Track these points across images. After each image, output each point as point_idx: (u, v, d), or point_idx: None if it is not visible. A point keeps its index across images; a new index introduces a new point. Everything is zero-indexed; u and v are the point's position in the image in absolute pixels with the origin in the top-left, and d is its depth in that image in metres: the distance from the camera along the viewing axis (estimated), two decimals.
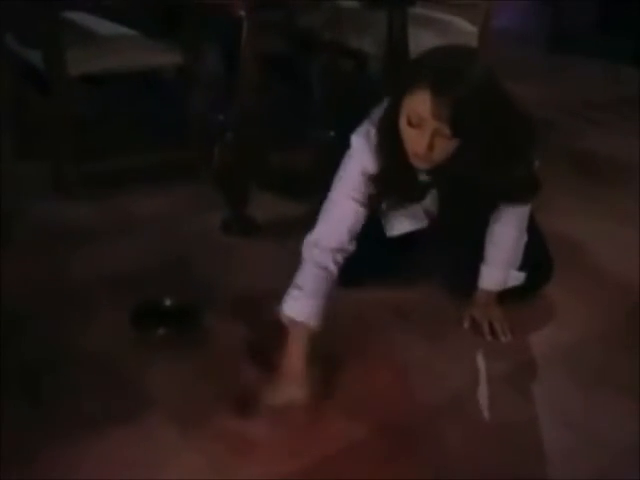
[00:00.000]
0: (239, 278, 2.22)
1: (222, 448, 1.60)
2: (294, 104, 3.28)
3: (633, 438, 1.66)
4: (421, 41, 2.63)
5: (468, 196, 1.84)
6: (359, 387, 1.80)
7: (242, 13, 2.29)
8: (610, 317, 2.12)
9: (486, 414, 1.79)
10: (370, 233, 1.91)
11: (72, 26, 2.76)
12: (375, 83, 3.03)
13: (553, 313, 2.13)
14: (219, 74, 3.18)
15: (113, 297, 2.09)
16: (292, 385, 1.72)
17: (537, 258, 2.09)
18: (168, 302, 2.03)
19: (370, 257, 1.96)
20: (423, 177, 1.86)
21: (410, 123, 1.68)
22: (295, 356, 1.75)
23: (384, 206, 1.96)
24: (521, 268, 2.05)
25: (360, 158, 1.83)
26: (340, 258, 1.82)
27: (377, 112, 1.84)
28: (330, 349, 1.86)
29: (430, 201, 1.96)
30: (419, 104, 1.65)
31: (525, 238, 2.03)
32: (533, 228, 2.07)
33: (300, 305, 1.77)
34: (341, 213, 1.84)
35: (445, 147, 1.69)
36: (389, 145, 1.78)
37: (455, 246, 2.05)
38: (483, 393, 1.85)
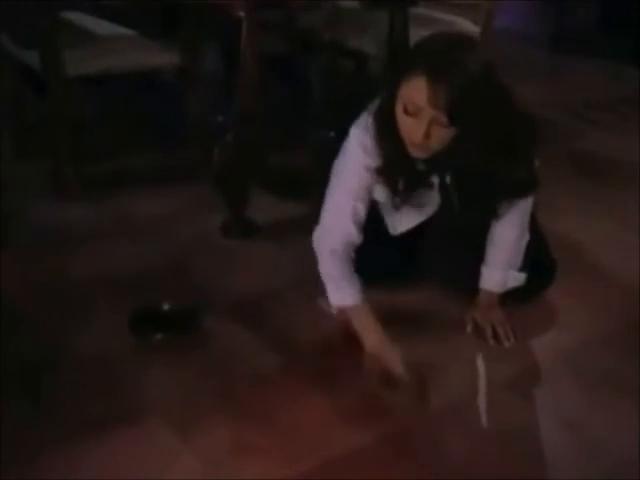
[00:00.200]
0: (239, 280, 2.21)
1: (221, 452, 1.60)
2: (294, 104, 3.27)
3: (637, 442, 1.65)
4: None
5: (467, 189, 1.84)
6: (359, 392, 1.79)
7: (241, 14, 2.27)
8: (613, 319, 2.12)
9: (488, 419, 1.78)
10: (374, 236, 1.91)
11: (69, 26, 2.74)
12: (375, 84, 3.01)
13: (555, 316, 2.12)
14: (218, 74, 3.18)
15: (112, 299, 2.09)
16: (391, 350, 1.80)
17: (539, 260, 2.07)
18: (166, 307, 2.02)
19: (377, 260, 1.96)
20: (421, 167, 1.85)
21: (406, 111, 1.67)
22: (373, 327, 1.84)
23: (383, 199, 1.95)
24: (522, 269, 2.04)
25: (357, 150, 1.83)
26: (351, 246, 1.88)
27: (375, 103, 1.83)
28: (330, 352, 1.87)
29: (430, 193, 1.94)
30: (415, 92, 1.63)
31: (527, 238, 2.02)
32: (535, 230, 2.06)
33: (342, 293, 1.86)
34: (342, 208, 1.86)
35: (442, 136, 1.67)
36: (386, 134, 1.76)
37: (456, 248, 2.04)
38: (485, 398, 1.85)
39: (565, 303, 2.15)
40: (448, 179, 1.87)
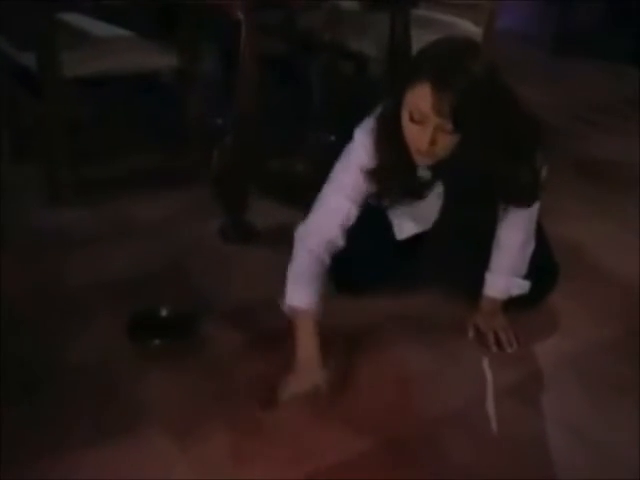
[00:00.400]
0: (237, 285, 2.21)
1: (220, 458, 1.59)
2: (294, 107, 3.27)
3: None
4: (424, 43, 2.60)
5: (471, 195, 1.83)
6: (360, 398, 1.78)
7: (240, 15, 2.26)
8: (616, 323, 2.11)
9: (492, 426, 1.76)
10: (377, 240, 1.92)
11: (67, 27, 2.74)
12: (376, 86, 3.00)
13: (558, 320, 2.12)
14: (217, 76, 3.18)
15: (109, 304, 2.08)
16: (310, 371, 1.75)
17: (542, 264, 2.06)
18: (164, 312, 2.01)
19: (378, 264, 1.97)
20: (425, 173, 1.85)
21: (412, 119, 1.67)
22: (307, 343, 1.78)
23: (385, 203, 1.94)
24: (526, 277, 2.03)
25: (360, 154, 1.83)
26: (331, 249, 1.85)
27: (381, 108, 1.83)
28: (330, 358, 1.85)
29: (435, 201, 1.94)
30: (420, 100, 1.63)
31: (533, 245, 2.01)
32: (540, 236, 2.05)
33: (300, 294, 1.80)
34: (333, 209, 1.85)
35: (447, 142, 1.68)
36: (390, 141, 1.76)
37: (460, 253, 2.02)
38: (488, 405, 1.82)
39: (567, 307, 2.15)
40: (450, 184, 1.86)
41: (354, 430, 1.67)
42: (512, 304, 2.03)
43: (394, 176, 1.82)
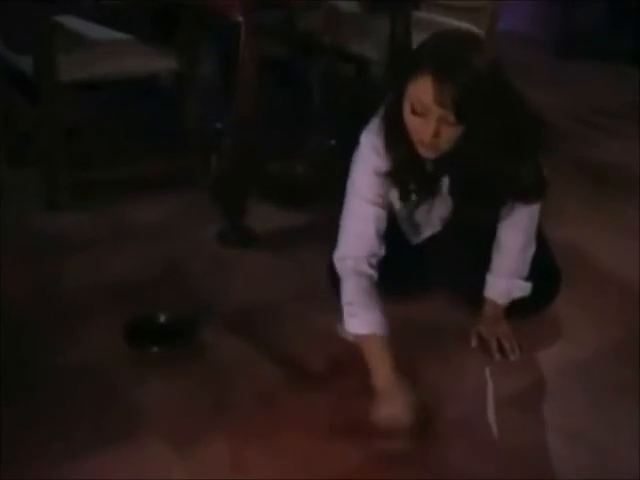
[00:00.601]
0: (237, 290, 2.20)
1: (217, 467, 1.58)
2: (293, 110, 3.27)
3: None
4: None
5: (476, 189, 1.82)
6: (360, 408, 1.75)
7: (240, 18, 2.25)
8: (618, 329, 2.10)
9: (494, 434, 1.75)
10: (394, 249, 1.88)
11: (64, 31, 2.73)
12: (377, 89, 2.99)
13: (560, 327, 2.10)
14: (216, 79, 3.16)
15: (107, 309, 2.07)
16: (394, 399, 1.68)
17: (544, 271, 2.04)
18: (162, 318, 2.00)
19: (396, 273, 1.91)
20: (430, 168, 1.84)
21: (414, 111, 1.67)
22: (382, 370, 1.72)
23: (399, 205, 1.94)
24: (527, 279, 2.01)
25: (369, 156, 1.82)
26: (374, 262, 1.82)
27: (384, 105, 1.84)
28: (330, 367, 1.85)
29: (445, 198, 1.92)
30: (422, 92, 1.63)
31: (534, 247, 2.00)
32: (540, 239, 2.04)
33: (360, 319, 1.76)
34: (362, 220, 1.83)
35: (451, 134, 1.68)
36: (396, 136, 1.76)
37: (462, 259, 2.01)
38: (490, 413, 1.81)
39: (569, 312, 2.13)
40: (457, 180, 1.86)
41: (354, 440, 1.66)
42: (515, 312, 2.01)
43: (406, 172, 1.81)
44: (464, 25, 2.93)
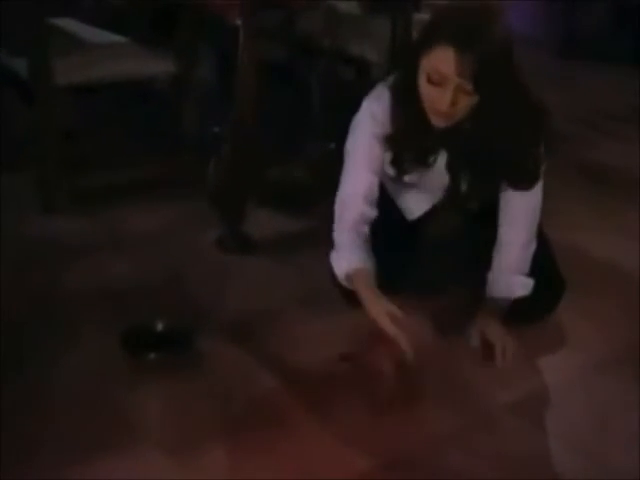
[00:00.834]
0: (235, 297, 2.19)
1: (216, 476, 1.57)
2: (293, 114, 3.27)
3: None
4: None
5: (474, 167, 1.87)
6: (361, 416, 1.76)
7: (238, 21, 2.24)
8: (620, 335, 2.09)
9: (496, 444, 1.71)
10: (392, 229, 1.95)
11: (60, 33, 2.74)
12: None
13: (564, 334, 2.09)
14: (214, 83, 3.15)
15: (104, 316, 2.06)
16: (382, 303, 1.79)
17: (548, 278, 2.02)
18: (160, 326, 1.98)
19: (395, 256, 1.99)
20: (433, 138, 1.88)
21: (430, 81, 1.72)
22: (374, 299, 1.81)
23: (392, 173, 1.96)
24: (529, 277, 2.00)
25: (366, 119, 1.89)
26: (365, 221, 1.90)
27: (391, 78, 1.90)
28: (331, 374, 1.84)
29: (441, 172, 1.94)
30: (441, 61, 1.68)
31: (534, 245, 1.99)
32: (543, 244, 2.03)
33: (346, 258, 1.87)
34: (354, 183, 1.91)
35: (466, 103, 1.73)
36: (406, 105, 1.82)
37: (463, 259, 2.04)
38: (492, 422, 1.78)
39: (571, 318, 2.12)
40: (457, 155, 1.89)
41: (355, 448, 1.64)
42: (518, 318, 1.99)
43: (410, 139, 1.86)
44: None
